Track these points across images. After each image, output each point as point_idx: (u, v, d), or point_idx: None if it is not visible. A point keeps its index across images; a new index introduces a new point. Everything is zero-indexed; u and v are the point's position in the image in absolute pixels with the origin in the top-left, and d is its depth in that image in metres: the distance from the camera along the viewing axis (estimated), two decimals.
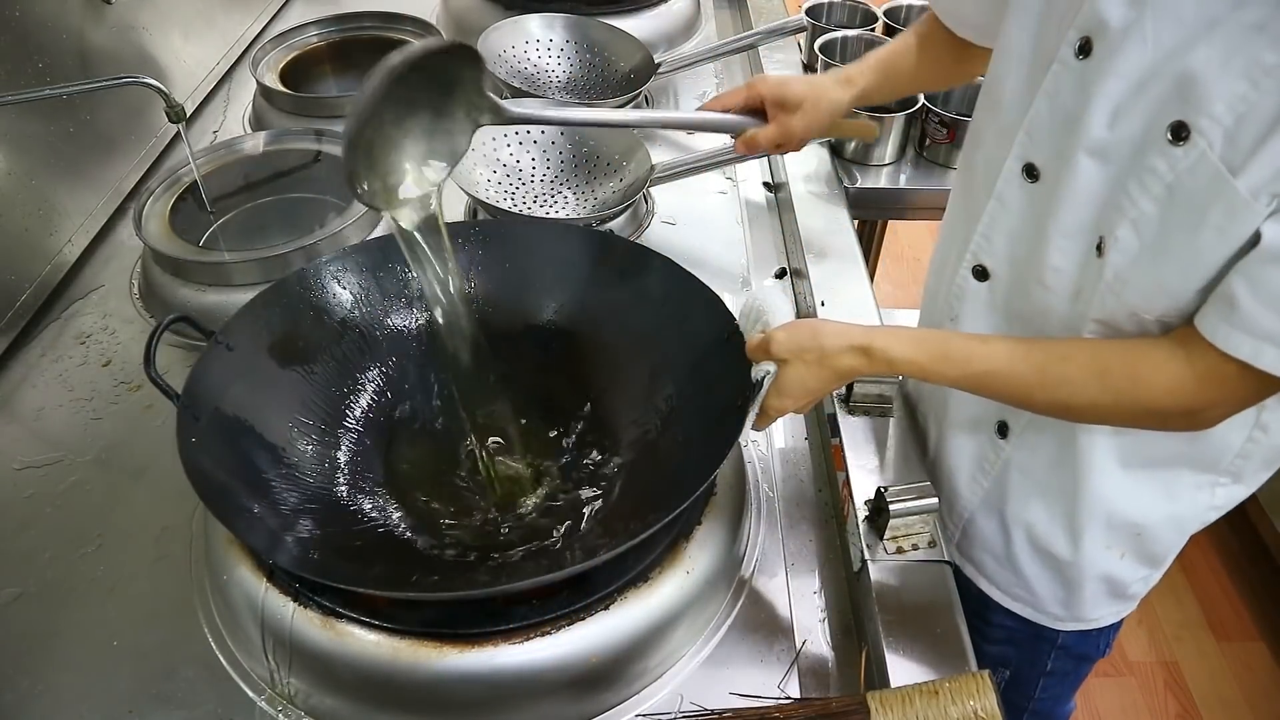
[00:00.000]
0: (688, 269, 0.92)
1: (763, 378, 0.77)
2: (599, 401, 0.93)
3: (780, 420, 0.85)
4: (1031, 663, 1.04)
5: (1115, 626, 1.01)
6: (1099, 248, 0.72)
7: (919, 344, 0.76)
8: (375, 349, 0.94)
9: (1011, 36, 0.78)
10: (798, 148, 1.02)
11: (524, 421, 0.91)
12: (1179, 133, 0.64)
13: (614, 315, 0.95)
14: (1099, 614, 0.97)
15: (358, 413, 0.91)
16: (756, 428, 0.80)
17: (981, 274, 0.86)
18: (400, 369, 0.94)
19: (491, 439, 0.88)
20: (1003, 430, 0.89)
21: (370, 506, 0.83)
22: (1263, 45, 0.59)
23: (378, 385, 0.93)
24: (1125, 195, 0.68)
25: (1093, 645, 1.02)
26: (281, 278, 0.92)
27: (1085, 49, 0.69)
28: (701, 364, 0.87)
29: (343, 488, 0.84)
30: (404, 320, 0.96)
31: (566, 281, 0.98)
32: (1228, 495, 0.86)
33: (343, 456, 0.86)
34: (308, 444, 0.85)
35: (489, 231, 1.00)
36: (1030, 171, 0.77)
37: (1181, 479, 0.85)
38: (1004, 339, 0.81)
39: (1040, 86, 0.74)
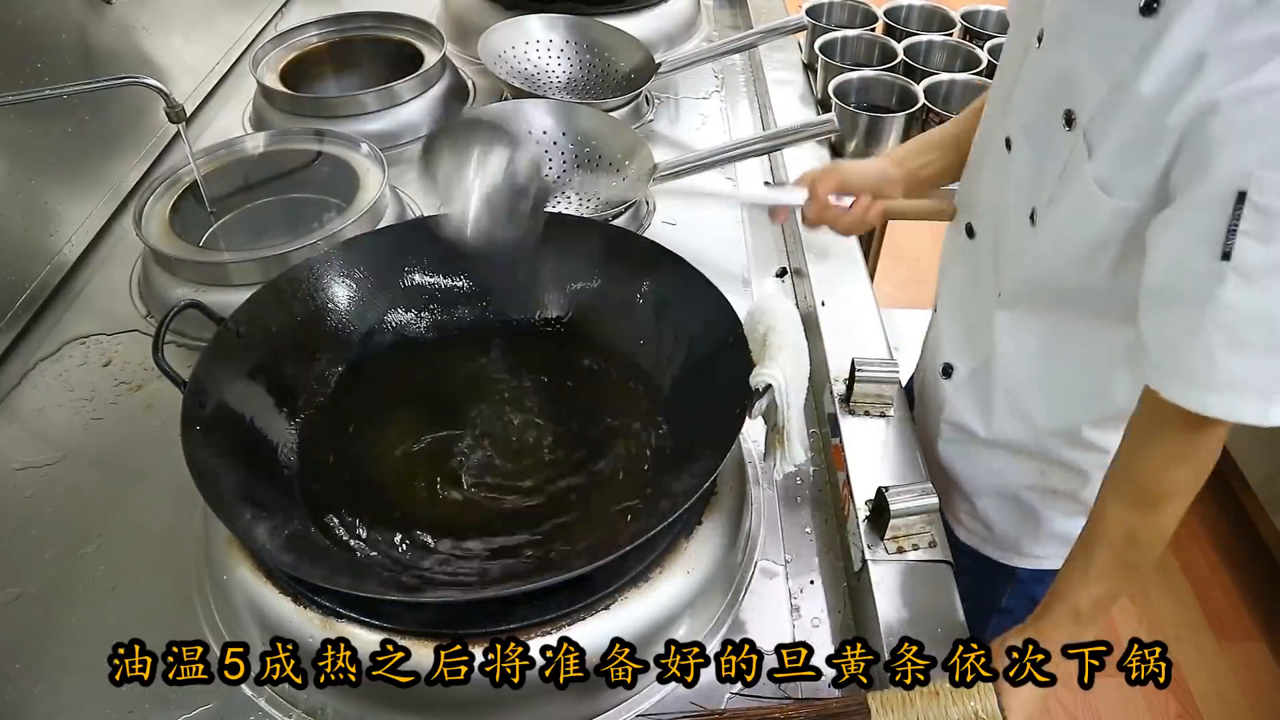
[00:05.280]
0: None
1: (762, 386, 0.77)
2: (598, 398, 0.92)
3: None
4: (989, 596, 1.09)
5: None
6: (1032, 218, 0.83)
7: None
8: (382, 341, 0.94)
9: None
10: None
11: (520, 417, 0.90)
12: (1069, 119, 0.77)
13: (620, 311, 0.94)
14: (1045, 551, 1.04)
15: (361, 406, 0.90)
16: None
17: (970, 232, 0.97)
18: (406, 363, 0.94)
19: (486, 435, 0.88)
20: (947, 371, 1.02)
21: (370, 505, 0.82)
22: (1118, 52, 0.70)
23: (383, 378, 0.93)
24: (1042, 174, 0.81)
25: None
26: (293, 266, 0.92)
27: (1041, 37, 0.81)
28: (704, 366, 0.87)
29: (345, 487, 0.83)
30: (411, 315, 0.97)
31: (574, 274, 0.97)
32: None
33: (346, 453, 0.86)
34: (312, 438, 0.85)
35: None
36: (1008, 144, 0.87)
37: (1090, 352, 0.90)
38: None
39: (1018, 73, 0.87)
